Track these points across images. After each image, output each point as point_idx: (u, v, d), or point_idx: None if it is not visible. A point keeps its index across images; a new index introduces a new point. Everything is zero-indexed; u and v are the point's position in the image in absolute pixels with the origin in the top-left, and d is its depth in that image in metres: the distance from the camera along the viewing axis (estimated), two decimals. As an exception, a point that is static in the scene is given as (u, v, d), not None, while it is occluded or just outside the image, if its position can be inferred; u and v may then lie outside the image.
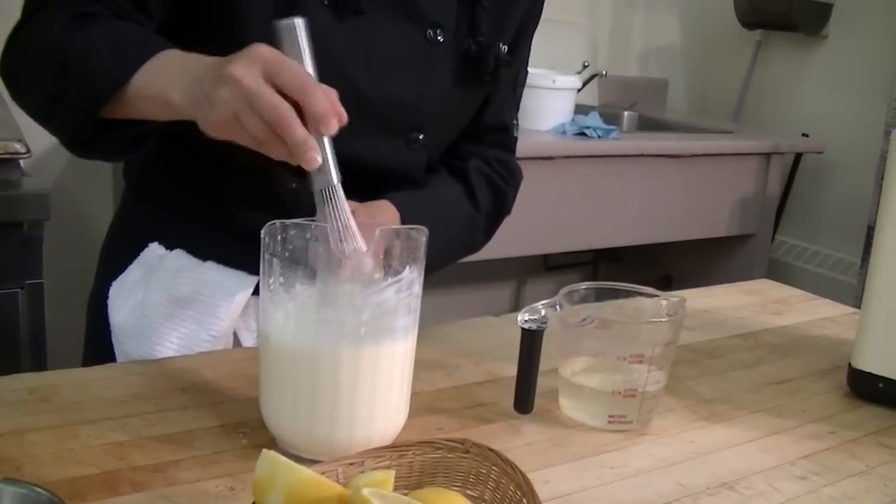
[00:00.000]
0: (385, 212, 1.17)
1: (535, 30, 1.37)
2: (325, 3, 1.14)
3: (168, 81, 0.98)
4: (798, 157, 3.81)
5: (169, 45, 1.03)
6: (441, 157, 1.34)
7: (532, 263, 3.76)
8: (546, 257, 3.80)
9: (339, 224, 0.92)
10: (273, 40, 0.92)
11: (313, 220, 0.93)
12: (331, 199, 0.92)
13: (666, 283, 3.74)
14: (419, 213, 1.10)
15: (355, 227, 0.93)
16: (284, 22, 0.92)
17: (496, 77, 1.28)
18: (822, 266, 3.82)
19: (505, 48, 1.29)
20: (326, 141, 0.92)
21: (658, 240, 3.36)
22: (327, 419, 0.91)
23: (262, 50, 0.90)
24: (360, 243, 0.93)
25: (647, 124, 3.68)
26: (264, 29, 0.98)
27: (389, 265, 0.91)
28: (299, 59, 0.92)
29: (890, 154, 1.19)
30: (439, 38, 1.22)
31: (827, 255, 3.82)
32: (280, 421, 0.94)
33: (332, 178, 0.92)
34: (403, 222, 1.16)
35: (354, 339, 0.90)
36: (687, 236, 3.41)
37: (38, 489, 0.69)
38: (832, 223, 3.82)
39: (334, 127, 0.90)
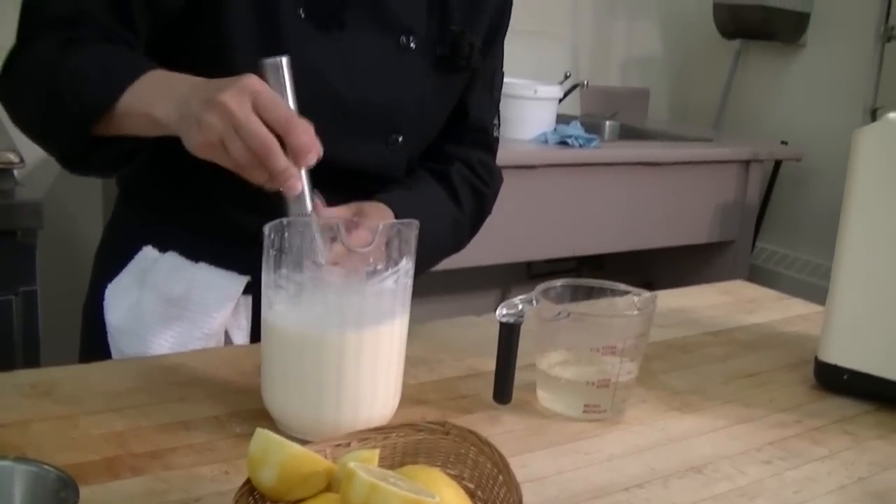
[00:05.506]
0: (382, 212, 1.23)
1: (506, 30, 1.43)
2: (302, 16, 1.20)
3: (153, 100, 1.05)
4: (778, 164, 3.87)
5: (155, 65, 1.10)
6: (425, 160, 1.40)
7: (515, 271, 3.80)
8: (529, 265, 3.83)
9: (313, 248, 0.99)
10: (258, 73, 0.99)
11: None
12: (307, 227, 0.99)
13: (648, 289, 3.75)
14: (410, 214, 1.16)
15: (324, 249, 1.00)
16: (270, 60, 1.00)
17: (471, 63, 1.34)
18: (803, 271, 3.87)
19: (478, 43, 1.34)
20: (304, 174, 0.99)
21: (640, 247, 3.40)
22: (333, 402, 0.97)
23: (253, 82, 0.96)
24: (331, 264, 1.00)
25: (629, 133, 3.71)
26: (248, 51, 1.03)
27: (390, 256, 0.99)
28: (283, 95, 0.99)
29: (852, 153, 1.23)
30: (412, 44, 1.28)
31: (806, 261, 3.88)
32: (285, 406, 0.99)
33: (307, 209, 1.00)
34: None
35: (357, 323, 0.97)
36: (668, 243, 3.45)
37: (48, 467, 0.73)
38: (811, 229, 3.87)
39: (313, 159, 0.98)
